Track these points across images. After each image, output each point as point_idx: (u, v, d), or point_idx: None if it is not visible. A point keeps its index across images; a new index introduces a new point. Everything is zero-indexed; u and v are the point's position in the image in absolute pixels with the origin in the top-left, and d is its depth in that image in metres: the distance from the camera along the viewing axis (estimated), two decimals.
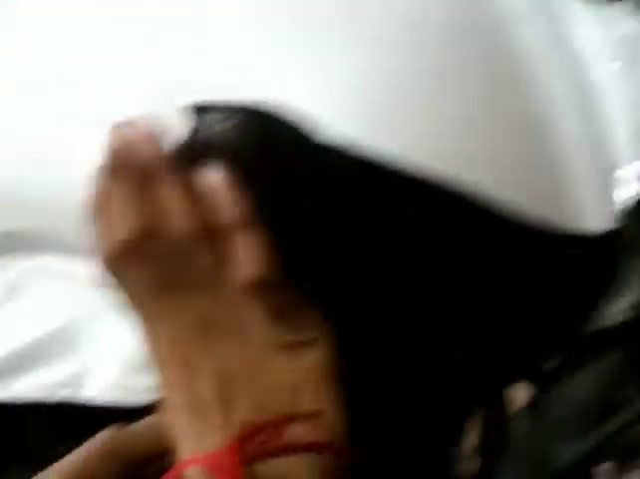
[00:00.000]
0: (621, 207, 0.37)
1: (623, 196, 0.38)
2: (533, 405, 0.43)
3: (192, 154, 0.34)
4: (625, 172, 0.37)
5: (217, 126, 0.33)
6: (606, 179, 0.37)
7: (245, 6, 0.34)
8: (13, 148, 0.46)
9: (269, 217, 0.33)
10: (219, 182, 0.32)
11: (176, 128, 0.34)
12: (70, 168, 0.42)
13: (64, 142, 0.42)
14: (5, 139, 0.46)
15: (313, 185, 0.32)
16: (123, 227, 0.31)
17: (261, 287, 0.31)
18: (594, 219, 0.37)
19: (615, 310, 0.37)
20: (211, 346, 0.30)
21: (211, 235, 0.32)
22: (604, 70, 0.39)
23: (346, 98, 0.32)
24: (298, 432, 0.29)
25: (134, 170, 0.32)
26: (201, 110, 0.34)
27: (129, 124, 0.33)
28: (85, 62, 0.40)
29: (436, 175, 0.32)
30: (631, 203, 0.37)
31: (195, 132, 0.34)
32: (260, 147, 0.33)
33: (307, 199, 0.33)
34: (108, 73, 0.39)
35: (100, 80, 0.39)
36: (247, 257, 0.31)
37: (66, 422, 0.57)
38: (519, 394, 0.44)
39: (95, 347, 0.50)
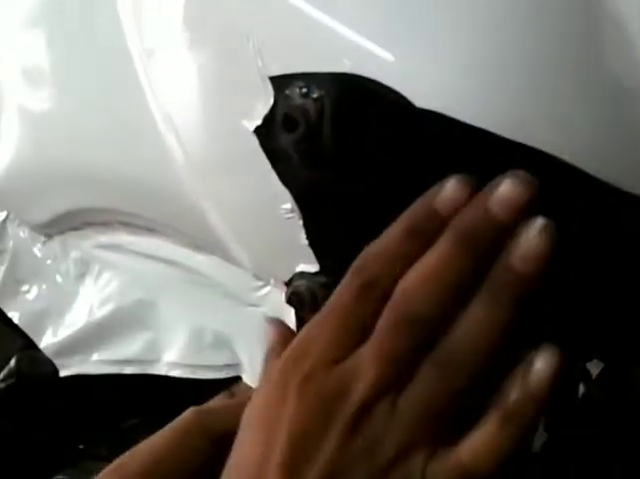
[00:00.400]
0: None
1: None
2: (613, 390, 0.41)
3: (271, 128, 0.34)
4: None
5: (300, 99, 0.32)
6: None
7: None
8: (88, 126, 0.46)
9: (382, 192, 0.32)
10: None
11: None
12: (146, 148, 0.42)
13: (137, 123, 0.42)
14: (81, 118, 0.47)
15: (418, 153, 0.31)
16: None
17: None
18: None
19: None
20: None
21: None
22: None
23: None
24: None
25: None
26: (283, 81, 0.33)
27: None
28: None
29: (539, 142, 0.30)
30: None
31: (275, 105, 0.33)
32: (348, 119, 0.32)
33: (408, 171, 0.31)
34: None
35: None
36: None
37: (140, 394, 0.58)
38: None
39: (168, 322, 0.51)
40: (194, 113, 0.39)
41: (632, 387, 0.42)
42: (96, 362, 0.53)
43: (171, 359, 0.51)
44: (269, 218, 0.37)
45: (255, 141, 0.35)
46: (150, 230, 0.49)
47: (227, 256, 0.44)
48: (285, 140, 0.33)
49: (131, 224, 0.50)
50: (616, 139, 0.33)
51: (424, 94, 0.30)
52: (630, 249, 0.34)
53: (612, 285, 0.34)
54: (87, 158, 0.48)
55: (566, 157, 0.31)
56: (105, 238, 0.53)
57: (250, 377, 0.48)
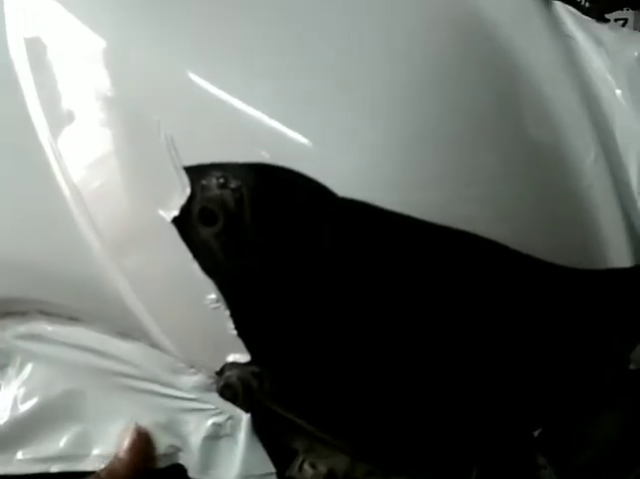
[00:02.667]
0: None
1: None
2: (557, 453, 0.41)
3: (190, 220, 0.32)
4: None
5: (217, 190, 0.31)
6: (630, 210, 0.36)
7: None
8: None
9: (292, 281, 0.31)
10: None
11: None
12: (58, 235, 0.40)
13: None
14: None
15: (336, 243, 0.30)
16: None
17: None
18: (619, 254, 0.35)
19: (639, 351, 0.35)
20: None
21: None
22: (612, 96, 0.37)
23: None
24: None
25: None
26: (199, 171, 0.32)
27: None
28: None
29: (461, 223, 0.30)
30: None
31: (193, 197, 0.32)
32: (269, 210, 0.31)
33: (330, 258, 0.31)
34: None
35: None
36: None
37: None
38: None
39: (99, 413, 0.48)
40: (110, 202, 0.38)
41: (573, 448, 0.42)
42: (20, 461, 0.50)
43: (104, 453, 0.48)
44: (194, 308, 0.36)
45: (174, 230, 0.34)
46: (72, 318, 0.47)
47: (154, 344, 0.42)
48: (205, 232, 0.32)
49: (51, 313, 0.48)
50: (540, 211, 0.33)
51: (343, 181, 0.30)
52: (563, 320, 0.34)
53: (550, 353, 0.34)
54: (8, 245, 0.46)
55: (491, 235, 0.31)
56: (24, 327, 0.50)
57: (190, 464, 0.46)
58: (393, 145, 0.30)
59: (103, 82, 0.37)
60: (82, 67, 0.38)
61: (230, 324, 0.35)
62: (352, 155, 0.30)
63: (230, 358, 0.37)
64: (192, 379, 0.42)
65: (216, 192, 0.31)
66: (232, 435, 0.44)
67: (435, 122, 0.31)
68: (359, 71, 0.31)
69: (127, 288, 0.39)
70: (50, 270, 0.43)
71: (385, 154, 0.30)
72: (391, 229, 0.29)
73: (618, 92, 0.37)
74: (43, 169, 0.40)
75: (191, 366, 0.41)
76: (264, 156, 0.30)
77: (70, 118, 0.39)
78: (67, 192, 0.39)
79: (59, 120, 0.39)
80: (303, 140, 0.30)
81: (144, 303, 0.39)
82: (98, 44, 0.37)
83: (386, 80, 0.31)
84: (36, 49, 0.41)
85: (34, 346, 0.50)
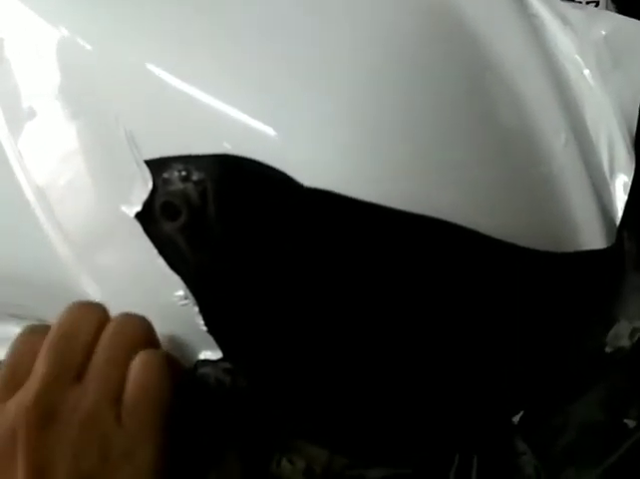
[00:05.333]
0: (619, 220, 0.35)
1: (620, 209, 0.35)
2: (536, 438, 0.41)
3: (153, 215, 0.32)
4: (622, 183, 0.35)
5: (179, 183, 0.30)
6: (602, 192, 0.35)
7: None
8: None
9: (259, 273, 0.30)
10: None
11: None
12: (35, 241, 0.39)
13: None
14: None
15: (303, 234, 0.30)
16: None
17: None
18: (592, 236, 0.35)
19: (615, 334, 0.35)
20: None
21: None
22: (580, 76, 0.36)
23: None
24: None
25: None
26: (160, 164, 0.31)
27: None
28: None
29: (431, 210, 0.29)
30: (628, 216, 0.35)
31: (154, 191, 0.31)
32: (233, 202, 0.30)
33: (298, 249, 0.30)
34: None
35: None
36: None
37: None
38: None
39: None
40: (74, 199, 0.37)
41: (552, 432, 0.41)
42: None
43: None
44: (163, 306, 0.35)
45: (139, 226, 0.33)
46: (41, 320, 0.46)
47: None
48: (169, 227, 0.31)
49: (20, 315, 0.47)
50: (512, 197, 0.33)
51: (310, 171, 0.29)
52: (538, 304, 0.33)
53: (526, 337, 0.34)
54: None
55: (463, 221, 0.30)
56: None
57: None
58: (359, 134, 0.29)
59: (60, 77, 0.36)
60: (39, 62, 0.37)
61: (200, 321, 0.34)
62: (318, 144, 0.29)
63: (202, 355, 0.36)
64: None
65: (179, 185, 0.30)
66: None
67: (401, 109, 0.30)
68: (323, 60, 0.30)
69: (95, 289, 0.38)
70: (17, 273, 0.42)
71: (352, 143, 0.29)
72: (360, 218, 0.29)
73: (586, 72, 0.36)
74: (3, 169, 0.39)
75: None
76: (227, 147, 0.29)
77: (30, 115, 0.38)
78: (29, 191, 0.38)
79: (18, 117, 0.38)
80: (267, 129, 0.29)
81: (112, 302, 0.39)
82: (53, 37, 0.36)
83: (351, 68, 0.30)
84: None
85: (3, 351, 0.49)
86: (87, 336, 0.32)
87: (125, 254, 0.36)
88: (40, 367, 0.31)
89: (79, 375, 0.31)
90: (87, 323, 0.33)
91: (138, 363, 0.31)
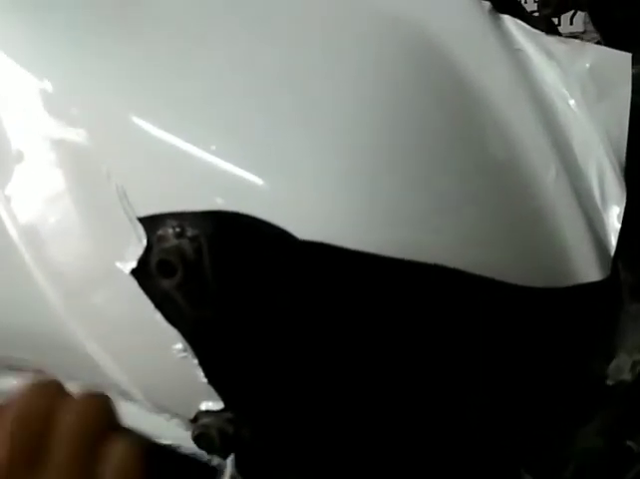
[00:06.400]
0: (613, 251, 0.35)
1: (614, 239, 0.36)
2: (542, 469, 0.41)
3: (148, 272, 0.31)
4: (614, 213, 0.35)
5: (174, 239, 0.30)
6: (595, 222, 0.35)
7: None
8: None
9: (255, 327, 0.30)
10: None
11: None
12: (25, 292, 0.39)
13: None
14: None
15: (299, 286, 0.30)
16: None
17: None
18: (587, 268, 0.35)
19: (616, 367, 0.35)
20: None
21: None
22: (567, 108, 0.37)
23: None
24: None
25: None
26: (154, 221, 0.31)
27: None
28: None
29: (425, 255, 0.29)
30: (622, 245, 0.35)
31: (149, 248, 0.31)
32: (229, 257, 0.30)
33: (295, 301, 0.30)
34: None
35: None
36: None
37: None
38: None
39: None
40: (63, 247, 0.36)
41: (557, 463, 0.41)
42: None
43: None
44: (162, 358, 0.35)
45: (134, 282, 0.33)
46: (39, 371, 0.45)
47: (123, 393, 0.41)
48: (166, 284, 0.31)
49: (18, 367, 0.46)
50: (505, 235, 0.33)
51: (303, 223, 0.29)
52: (538, 340, 0.33)
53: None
54: None
55: (458, 264, 0.30)
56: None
57: None
58: (349, 183, 0.29)
59: (48, 128, 0.36)
60: (26, 109, 0.37)
61: (200, 373, 0.34)
62: (309, 196, 0.29)
63: (203, 406, 0.36)
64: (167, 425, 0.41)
65: (174, 242, 0.30)
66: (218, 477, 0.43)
67: (388, 155, 0.30)
68: (310, 111, 0.30)
69: (88, 339, 0.38)
70: (8, 325, 0.42)
71: (342, 193, 0.29)
72: (354, 268, 0.29)
73: (573, 104, 0.37)
74: None
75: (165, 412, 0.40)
76: (219, 202, 0.29)
77: (18, 158, 0.38)
78: (14, 234, 0.38)
79: (6, 162, 0.38)
80: (259, 183, 0.29)
81: (108, 353, 0.38)
82: (37, 90, 0.36)
83: (340, 119, 0.30)
84: None
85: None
86: (42, 421, 0.29)
87: (118, 305, 0.36)
88: None
89: (37, 459, 0.29)
90: (40, 406, 0.30)
91: (115, 454, 0.29)
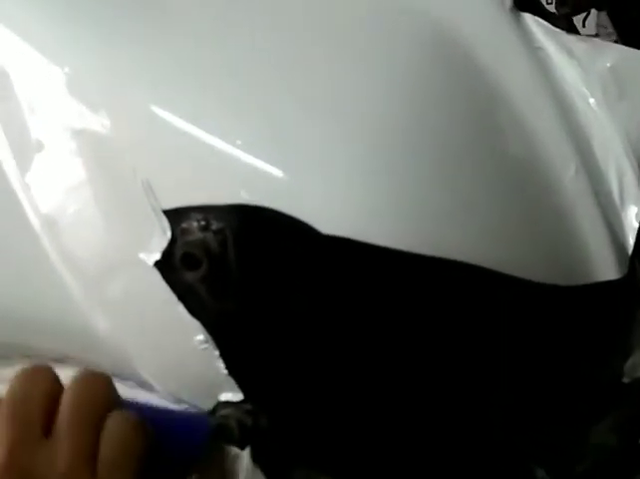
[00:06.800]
0: (631, 250, 0.36)
1: (632, 239, 0.36)
2: (555, 464, 0.41)
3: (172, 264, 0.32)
4: (633, 212, 0.36)
5: (199, 233, 0.31)
6: (613, 221, 0.36)
7: None
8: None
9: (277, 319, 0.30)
10: None
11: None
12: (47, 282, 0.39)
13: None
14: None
15: (322, 280, 0.30)
16: None
17: None
18: (605, 266, 0.35)
19: (633, 365, 0.35)
20: None
21: None
22: (587, 107, 0.37)
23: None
24: None
25: None
26: (179, 214, 0.32)
27: None
28: None
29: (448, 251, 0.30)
30: (637, 243, 0.36)
31: (174, 241, 0.31)
32: (253, 250, 0.30)
33: (317, 294, 0.30)
34: None
35: None
36: None
37: None
38: None
39: None
40: (85, 235, 0.37)
41: (570, 458, 0.42)
42: None
43: None
44: (183, 349, 0.35)
45: (156, 273, 0.33)
46: (57, 360, 0.46)
47: (142, 383, 0.42)
48: (189, 276, 0.31)
49: (35, 356, 0.47)
50: (525, 232, 0.33)
51: (326, 217, 0.29)
52: (557, 336, 0.34)
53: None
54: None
55: (479, 261, 0.31)
56: (8, 371, 0.49)
57: None
58: (373, 178, 0.29)
59: (69, 113, 0.36)
60: (48, 99, 0.37)
61: (221, 364, 0.34)
62: (333, 191, 0.30)
63: (222, 397, 0.36)
64: None
65: (198, 235, 0.31)
66: (233, 466, 0.44)
67: (413, 153, 0.30)
68: (337, 108, 0.30)
69: (109, 328, 0.38)
70: (31, 314, 0.42)
71: (366, 187, 0.29)
72: (377, 263, 0.29)
73: (593, 103, 0.37)
74: (10, 200, 0.39)
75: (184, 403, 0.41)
76: (244, 196, 0.30)
77: (39, 148, 0.38)
78: (36, 222, 0.38)
79: (27, 151, 0.38)
80: (284, 177, 0.30)
81: (128, 344, 0.39)
82: (58, 77, 0.36)
83: (364, 115, 0.30)
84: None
85: None
86: (42, 398, 0.32)
87: (140, 295, 0.36)
88: (3, 433, 0.31)
89: (45, 434, 0.31)
90: (38, 386, 0.32)
91: (113, 424, 0.31)
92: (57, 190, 0.37)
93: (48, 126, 0.37)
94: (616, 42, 0.48)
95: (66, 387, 0.32)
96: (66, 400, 0.31)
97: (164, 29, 0.33)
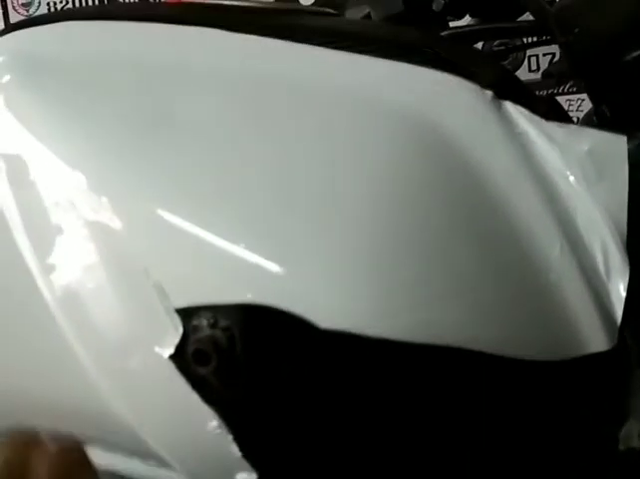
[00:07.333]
0: (619, 321, 0.37)
1: (619, 310, 0.38)
2: None
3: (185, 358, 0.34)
4: (619, 284, 0.37)
5: (208, 330, 0.33)
6: (600, 294, 0.37)
7: None
8: None
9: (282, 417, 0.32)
10: None
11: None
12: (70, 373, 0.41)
13: None
14: None
15: (323, 372, 0.32)
16: None
17: None
18: (595, 338, 0.37)
19: (627, 433, 0.37)
20: None
21: None
22: (569, 187, 0.39)
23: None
24: None
25: None
26: (189, 313, 0.34)
27: None
28: None
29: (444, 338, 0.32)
30: (628, 315, 0.37)
31: (185, 337, 0.34)
32: (259, 345, 0.33)
33: (320, 385, 0.32)
34: None
35: None
36: None
37: None
38: None
39: None
40: (107, 322, 0.39)
41: None
42: None
43: None
44: (198, 434, 0.37)
45: (170, 364, 0.36)
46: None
47: (163, 464, 0.44)
48: (202, 370, 0.34)
49: (61, 439, 0.49)
50: (515, 313, 0.35)
51: (325, 313, 0.32)
52: (550, 411, 0.35)
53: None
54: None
55: (474, 345, 0.33)
56: None
57: None
58: (367, 274, 0.32)
59: (83, 209, 0.38)
60: (63, 194, 0.40)
61: (235, 448, 0.36)
62: (330, 287, 0.32)
63: (239, 477, 0.38)
64: None
65: (207, 332, 0.33)
66: None
67: (405, 245, 0.33)
68: (328, 207, 0.33)
69: (130, 414, 0.40)
70: (54, 402, 0.44)
71: (359, 282, 0.32)
72: (376, 355, 0.31)
73: (574, 183, 0.39)
74: (28, 289, 0.41)
75: None
76: (249, 296, 0.32)
77: (59, 231, 0.40)
78: (53, 305, 0.40)
79: (47, 235, 0.41)
80: (284, 276, 0.32)
81: (146, 426, 0.41)
82: (73, 182, 0.39)
83: (354, 211, 0.33)
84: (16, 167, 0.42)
85: None
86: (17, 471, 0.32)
87: (155, 382, 0.38)
88: None
89: None
90: (16, 459, 0.33)
91: None
92: (76, 267, 0.40)
93: (64, 213, 0.40)
94: None
95: (40, 463, 0.33)
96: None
97: (172, 143, 0.36)
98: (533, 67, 1.45)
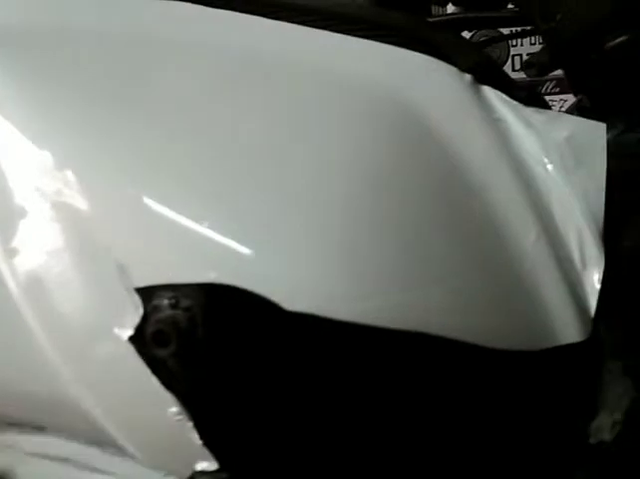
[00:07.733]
0: (594, 311, 0.37)
1: (594, 301, 0.37)
2: None
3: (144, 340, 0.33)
4: (594, 275, 0.37)
5: (169, 310, 0.32)
6: (575, 285, 0.37)
7: None
8: None
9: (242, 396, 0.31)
10: None
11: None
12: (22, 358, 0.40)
13: None
14: None
15: (287, 354, 0.31)
16: None
17: None
18: (568, 329, 0.36)
19: (598, 426, 0.36)
20: None
21: None
22: (546, 174, 0.38)
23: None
24: None
25: None
26: (150, 292, 0.33)
27: None
28: None
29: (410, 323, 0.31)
30: (602, 306, 0.37)
31: (145, 318, 0.33)
32: (221, 327, 0.31)
33: (283, 369, 0.31)
34: None
35: None
36: None
37: None
38: None
39: None
40: (71, 308, 0.38)
41: None
42: None
43: None
44: (158, 420, 0.36)
45: (131, 348, 0.34)
46: (37, 428, 0.47)
47: (122, 451, 0.42)
48: (161, 352, 0.32)
49: (19, 424, 0.47)
50: (488, 300, 0.34)
51: (291, 294, 0.30)
52: (520, 401, 0.34)
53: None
54: None
55: (442, 331, 0.32)
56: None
57: None
58: (336, 256, 0.31)
59: (47, 189, 0.37)
60: (27, 173, 0.39)
61: (195, 435, 0.35)
62: (297, 268, 0.31)
63: (199, 466, 0.37)
64: None
65: (168, 312, 0.32)
66: None
67: (377, 229, 0.32)
68: (296, 188, 0.32)
69: (86, 396, 0.39)
70: (16, 390, 0.43)
71: (329, 264, 0.31)
72: (341, 338, 0.30)
73: (552, 170, 0.38)
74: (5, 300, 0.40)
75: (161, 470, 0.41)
76: (212, 276, 0.31)
77: (22, 214, 0.39)
78: (15, 291, 0.39)
79: (10, 217, 0.39)
80: (249, 256, 0.31)
81: (106, 411, 0.39)
82: (40, 162, 0.37)
83: (323, 192, 0.32)
84: None
85: (2, 458, 0.49)
86: None
87: (116, 365, 0.37)
88: None
89: None
90: None
91: None
92: (41, 251, 0.38)
93: (29, 194, 0.39)
94: None
95: None
96: None
97: (136, 119, 0.35)
98: (517, 66, 1.45)
